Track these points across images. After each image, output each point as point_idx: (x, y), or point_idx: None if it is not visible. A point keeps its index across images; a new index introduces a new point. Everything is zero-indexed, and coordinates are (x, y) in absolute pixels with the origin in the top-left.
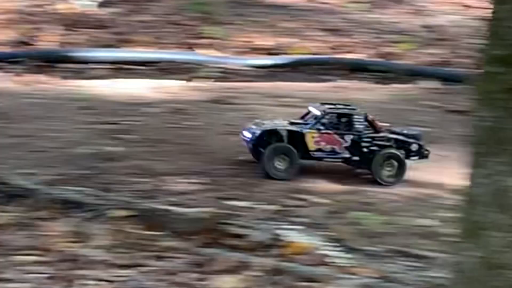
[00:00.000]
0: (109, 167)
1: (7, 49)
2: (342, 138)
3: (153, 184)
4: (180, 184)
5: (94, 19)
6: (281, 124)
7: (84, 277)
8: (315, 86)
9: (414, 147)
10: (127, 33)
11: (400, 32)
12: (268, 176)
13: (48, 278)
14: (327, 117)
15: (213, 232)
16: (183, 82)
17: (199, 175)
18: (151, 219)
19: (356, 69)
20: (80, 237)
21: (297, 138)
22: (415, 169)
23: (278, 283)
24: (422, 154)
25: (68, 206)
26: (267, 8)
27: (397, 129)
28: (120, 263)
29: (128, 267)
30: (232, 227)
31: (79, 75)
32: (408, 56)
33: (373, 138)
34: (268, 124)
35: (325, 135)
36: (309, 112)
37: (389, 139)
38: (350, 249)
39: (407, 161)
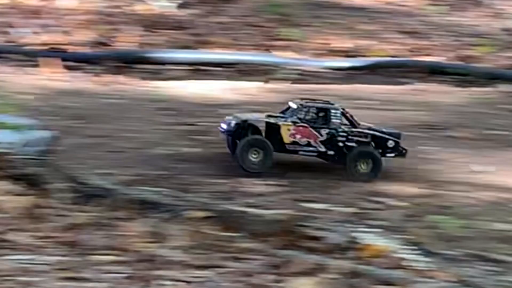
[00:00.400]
0: (187, 168)
1: (86, 50)
2: (318, 132)
3: (230, 186)
4: (258, 185)
5: (173, 20)
6: (258, 116)
7: (161, 277)
8: (393, 88)
9: (390, 143)
10: (205, 34)
11: (479, 35)
12: (243, 169)
13: (126, 278)
14: (304, 110)
15: (290, 234)
16: (260, 84)
17: (276, 177)
18: (228, 220)
19: (434, 72)
20: (157, 237)
21: (272, 131)
22: (493, 173)
23: (355, 286)
24: (398, 151)
25: (146, 207)
26: (345, 10)
27: (376, 127)
28: (197, 264)
29: (205, 268)
30: (309, 229)
31: (157, 76)
32: (487, 59)
33: (349, 133)
34: (245, 117)
35: (300, 128)
36: (289, 108)
37: (365, 135)
38: (427, 253)
39: (383, 158)
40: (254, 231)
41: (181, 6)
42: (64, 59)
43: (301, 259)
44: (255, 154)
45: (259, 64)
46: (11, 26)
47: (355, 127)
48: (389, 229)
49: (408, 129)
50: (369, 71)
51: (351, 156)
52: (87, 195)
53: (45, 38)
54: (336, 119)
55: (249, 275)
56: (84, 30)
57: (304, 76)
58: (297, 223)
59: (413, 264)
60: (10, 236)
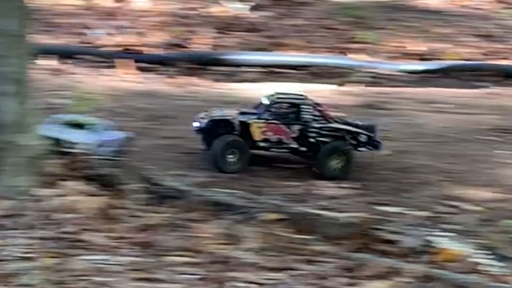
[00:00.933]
0: (260, 170)
1: (160, 52)
2: (289, 128)
3: (303, 188)
4: (331, 188)
5: (247, 23)
6: (230, 113)
7: (234, 279)
8: (468, 92)
9: (362, 137)
10: (278, 36)
11: None
12: (221, 171)
13: (199, 279)
14: (275, 106)
15: (364, 237)
16: (334, 87)
17: (349, 180)
18: (301, 223)
19: (510, 76)
20: (231, 239)
21: (244, 128)
22: None
23: None
24: (372, 145)
25: (220, 208)
26: (420, 13)
27: (350, 120)
28: (271, 266)
29: (279, 270)
30: (383, 232)
31: (230, 78)
32: None
33: (321, 128)
34: (217, 114)
35: (271, 125)
36: (261, 103)
37: (337, 129)
38: (502, 258)
39: (356, 152)
40: (328, 233)
41: (254, 8)
42: (138, 61)
43: (375, 263)
44: (231, 155)
45: (333, 67)
46: (87, 28)
47: (329, 122)
48: (464, 234)
49: (483, 133)
50: (443, 74)
51: (323, 152)
52: (161, 196)
53: (119, 39)
54: (308, 114)
55: (322, 278)
56: (158, 32)
57: (378, 79)
58: (371, 226)
59: (488, 268)
60: (85, 236)
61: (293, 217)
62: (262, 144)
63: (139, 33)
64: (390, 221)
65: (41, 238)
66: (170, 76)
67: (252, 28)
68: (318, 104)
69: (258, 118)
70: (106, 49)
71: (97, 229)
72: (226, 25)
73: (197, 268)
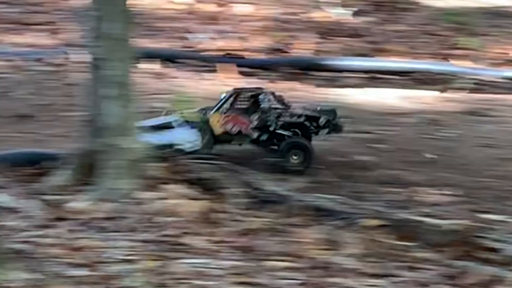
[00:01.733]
0: (361, 176)
1: (262, 56)
2: (248, 118)
3: (405, 195)
4: (433, 195)
5: (348, 28)
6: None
7: (335, 285)
8: None
9: (322, 121)
10: (380, 42)
11: None
12: None
13: (300, 284)
14: (231, 99)
15: (466, 245)
16: (437, 93)
17: (452, 187)
18: (403, 230)
19: None
20: (332, 245)
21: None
22: None
23: None
24: (333, 128)
25: (320, 214)
26: None
27: (310, 106)
28: (372, 272)
29: (380, 276)
30: (486, 240)
31: (332, 83)
32: None
33: (280, 114)
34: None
35: (229, 117)
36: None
37: (296, 115)
38: None
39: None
40: (430, 241)
41: (356, 13)
42: (239, 65)
43: (477, 271)
44: None
45: (436, 73)
46: (188, 32)
47: (288, 108)
48: None
49: None
50: None
51: (281, 150)
52: (262, 201)
53: (221, 44)
54: (267, 102)
55: (424, 285)
56: (259, 37)
57: (481, 86)
58: (473, 233)
59: None
60: (186, 240)
61: (394, 224)
62: (222, 137)
63: (240, 38)
64: (493, 229)
65: (142, 241)
66: (272, 81)
67: (354, 33)
68: (278, 95)
69: (215, 112)
70: (207, 53)
71: (198, 233)
72: (327, 30)
73: (297, 273)
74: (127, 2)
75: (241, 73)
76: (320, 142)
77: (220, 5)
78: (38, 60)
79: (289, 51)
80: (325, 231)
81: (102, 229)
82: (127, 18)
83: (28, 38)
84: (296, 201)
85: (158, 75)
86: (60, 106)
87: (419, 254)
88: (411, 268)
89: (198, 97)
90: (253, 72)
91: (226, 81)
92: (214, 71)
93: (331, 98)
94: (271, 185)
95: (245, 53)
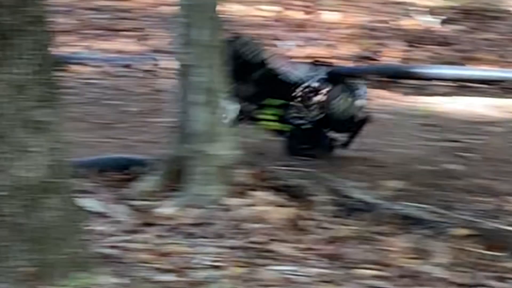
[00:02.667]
0: (450, 185)
1: (350, 64)
2: None
3: (495, 204)
4: None
5: (437, 36)
6: None
7: None
8: None
9: None
10: (469, 50)
11: None
12: None
13: None
14: None
15: None
16: None
17: None
18: (493, 239)
19: None
20: (420, 253)
21: None
22: None
23: None
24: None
25: (408, 222)
26: None
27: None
28: (460, 282)
29: (469, 286)
30: None
31: (421, 91)
32: None
33: None
34: None
35: None
36: None
37: None
38: None
39: None
40: None
41: (445, 21)
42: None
43: None
44: None
45: None
46: (277, 39)
47: None
48: None
49: None
50: None
51: None
52: (349, 209)
53: (309, 51)
54: None
55: None
56: (347, 44)
57: None
58: None
59: None
60: (273, 247)
61: (484, 233)
62: None
63: (328, 45)
64: None
65: (229, 247)
66: None
67: (443, 41)
68: None
69: None
70: (296, 60)
71: (285, 240)
72: (416, 38)
73: (385, 281)
74: (216, 9)
75: None
76: (408, 150)
77: (308, 12)
78: (127, 66)
79: (377, 58)
80: (413, 239)
81: (190, 235)
82: (216, 25)
83: (117, 44)
84: (384, 209)
85: None
86: (148, 112)
87: (509, 264)
88: (500, 279)
89: None
90: None
91: None
92: None
93: (419, 106)
94: (359, 192)
95: (333, 61)
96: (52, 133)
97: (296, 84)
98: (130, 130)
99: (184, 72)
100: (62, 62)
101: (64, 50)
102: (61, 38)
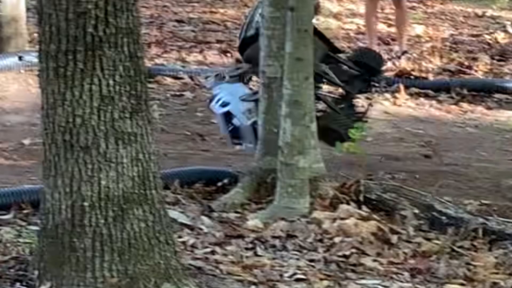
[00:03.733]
0: None
1: (436, 77)
2: None
3: None
4: None
5: None
6: None
7: None
8: None
9: None
10: None
11: None
12: None
13: None
14: None
15: None
16: None
17: None
18: None
19: None
20: (508, 269)
21: None
22: None
23: None
24: None
25: (496, 237)
26: None
27: None
28: None
29: None
30: None
31: (508, 105)
32: None
33: None
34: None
35: None
36: None
37: None
38: None
39: None
40: None
41: None
42: (412, 86)
43: None
44: None
45: None
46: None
47: None
48: None
49: None
50: None
51: None
52: (435, 223)
53: (397, 64)
54: None
55: None
56: (434, 58)
57: None
58: None
59: None
60: (360, 260)
61: None
62: None
63: (415, 59)
64: None
65: (315, 260)
66: (445, 102)
67: None
68: None
69: None
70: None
71: (372, 253)
72: (505, 52)
73: None
74: (301, 22)
75: (414, 94)
76: (494, 165)
77: (390, 25)
78: None
79: (464, 72)
80: (500, 255)
81: (277, 248)
82: (301, 37)
83: (202, 56)
84: (471, 223)
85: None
86: None
87: None
88: None
89: (370, 118)
90: (427, 93)
91: (399, 102)
92: (387, 91)
93: (505, 120)
94: (445, 206)
95: (419, 74)
96: (139, 144)
97: None
98: (217, 142)
99: (269, 84)
100: (150, 74)
101: (151, 62)
102: (147, 50)
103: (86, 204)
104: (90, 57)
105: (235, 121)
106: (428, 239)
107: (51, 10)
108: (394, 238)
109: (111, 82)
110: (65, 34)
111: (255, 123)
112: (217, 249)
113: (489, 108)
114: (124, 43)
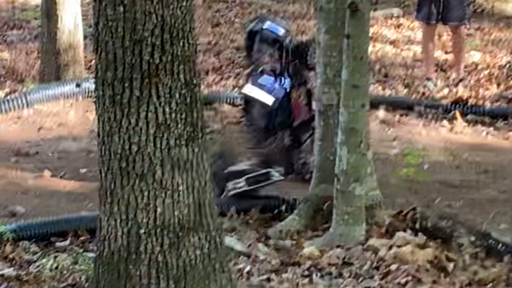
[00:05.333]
0: None
1: (493, 104)
2: None
3: None
4: None
5: None
6: None
7: None
8: None
9: None
10: None
11: None
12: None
13: None
14: None
15: None
16: None
17: None
18: None
19: None
20: None
21: None
22: None
23: None
24: None
25: None
26: None
27: None
28: None
29: None
30: None
31: None
32: None
33: None
34: None
35: None
36: None
37: None
38: None
39: None
40: None
41: None
42: (470, 113)
43: None
44: None
45: None
46: (419, 79)
47: None
48: None
49: None
50: None
51: None
52: (492, 251)
53: (454, 90)
54: None
55: None
56: (490, 85)
57: None
58: None
59: None
60: None
61: None
62: None
63: (472, 86)
64: None
65: None
66: (502, 130)
67: None
68: None
69: None
70: (439, 101)
71: (427, 281)
72: None
73: None
74: (357, 49)
75: (472, 121)
76: None
77: (447, 52)
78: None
79: None
80: None
81: (333, 275)
82: (357, 65)
83: None
84: None
85: (388, 122)
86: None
87: None
88: None
89: (428, 146)
90: (484, 121)
91: (456, 130)
92: (444, 118)
93: None
94: (501, 234)
95: (476, 101)
96: (195, 172)
97: None
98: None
99: (325, 111)
100: (207, 101)
101: (208, 88)
102: (204, 77)
103: (142, 231)
104: (146, 85)
105: None
106: (485, 267)
107: (107, 38)
108: (450, 266)
109: (167, 109)
110: (121, 61)
111: None
112: (273, 276)
113: None
114: (180, 71)
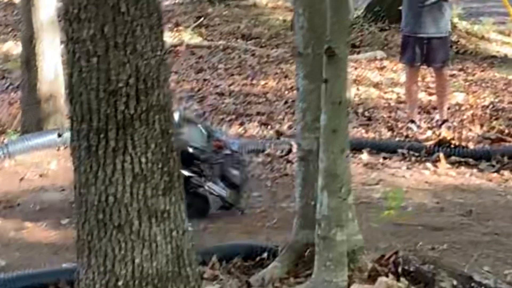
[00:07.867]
0: None
1: (475, 146)
2: None
3: None
4: None
5: None
6: None
7: None
8: None
9: None
10: None
11: None
12: None
13: None
14: None
15: None
16: None
17: None
18: None
19: None
20: None
21: None
22: None
23: None
24: None
25: None
26: None
27: None
28: None
29: None
30: None
31: None
32: None
33: None
34: None
35: None
36: None
37: None
38: None
39: None
40: None
41: None
42: (451, 155)
43: None
44: None
45: None
46: (399, 121)
47: None
48: None
49: None
50: None
51: None
52: None
53: (434, 133)
54: None
55: None
56: (473, 126)
57: None
58: None
59: None
60: None
61: None
62: None
63: (455, 127)
64: None
65: None
66: (486, 171)
67: None
68: None
69: None
70: (420, 143)
71: None
72: None
73: None
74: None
75: (453, 162)
76: None
77: (431, 93)
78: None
79: (505, 140)
80: None
81: None
82: (335, 109)
83: (246, 129)
84: None
85: (368, 165)
86: (270, 198)
87: None
88: None
89: (408, 187)
90: (466, 162)
91: (438, 171)
92: (426, 161)
93: None
94: (484, 277)
95: (458, 142)
96: (173, 222)
97: None
98: (253, 215)
99: (305, 157)
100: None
101: None
102: None
103: (120, 283)
104: (121, 135)
105: None
106: None
107: (82, 89)
108: None
109: (143, 159)
110: (96, 112)
111: None
112: None
113: None
114: (156, 120)
